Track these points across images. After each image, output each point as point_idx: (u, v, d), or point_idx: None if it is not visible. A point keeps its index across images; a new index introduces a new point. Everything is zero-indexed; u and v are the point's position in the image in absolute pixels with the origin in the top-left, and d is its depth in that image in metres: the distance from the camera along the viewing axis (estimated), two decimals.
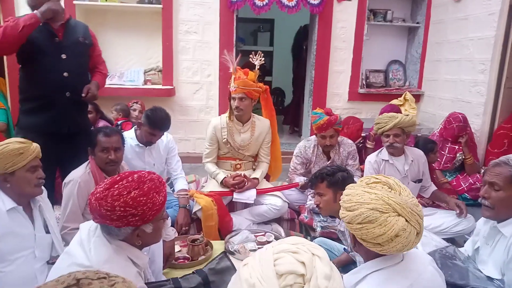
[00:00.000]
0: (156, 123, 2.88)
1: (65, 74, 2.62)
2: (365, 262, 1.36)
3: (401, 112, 4.26)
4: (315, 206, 2.91)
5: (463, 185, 3.88)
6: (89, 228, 1.50)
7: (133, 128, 3.06)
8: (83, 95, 2.66)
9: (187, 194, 2.98)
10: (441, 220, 2.97)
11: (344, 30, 5.31)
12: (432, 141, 3.53)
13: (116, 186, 1.42)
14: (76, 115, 2.75)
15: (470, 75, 4.55)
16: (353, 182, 2.35)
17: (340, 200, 1.37)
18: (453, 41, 4.87)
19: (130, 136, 3.00)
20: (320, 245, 2.35)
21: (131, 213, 1.38)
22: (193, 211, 2.93)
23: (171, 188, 3.35)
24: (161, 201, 1.46)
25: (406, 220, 1.21)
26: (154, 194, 1.43)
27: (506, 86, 4.24)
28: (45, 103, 2.62)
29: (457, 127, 3.98)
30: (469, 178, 3.90)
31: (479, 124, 4.38)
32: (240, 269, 0.93)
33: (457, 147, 4.01)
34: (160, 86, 4.97)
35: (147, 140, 2.95)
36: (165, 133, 3.14)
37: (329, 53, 5.33)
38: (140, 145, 2.98)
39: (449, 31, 4.94)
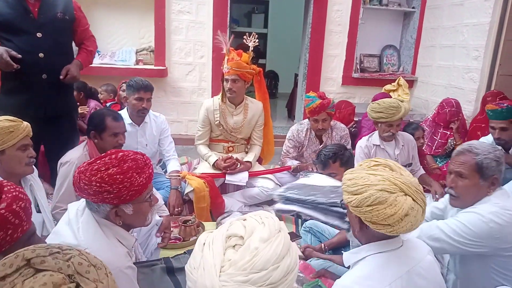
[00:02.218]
0: (137, 84, 2.84)
1: (41, 54, 2.43)
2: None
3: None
4: None
5: None
6: (77, 208, 1.51)
7: (125, 108, 3.04)
8: (61, 77, 2.50)
9: (179, 176, 2.98)
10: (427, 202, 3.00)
11: (339, 13, 5.27)
12: (416, 125, 3.58)
13: (98, 161, 1.43)
14: (55, 98, 2.57)
15: (464, 61, 4.56)
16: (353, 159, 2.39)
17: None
18: (448, 27, 4.86)
19: (123, 115, 2.98)
20: (311, 227, 2.41)
21: (106, 190, 1.37)
22: (185, 192, 2.94)
23: (163, 169, 3.35)
24: (142, 182, 1.44)
25: (413, 199, 1.23)
26: (134, 174, 1.42)
27: (499, 73, 4.26)
28: (22, 84, 2.46)
29: (449, 112, 4.01)
30: None
31: (471, 111, 4.42)
32: (201, 235, 1.02)
33: (448, 132, 4.05)
34: (152, 67, 4.92)
35: (138, 109, 2.89)
36: (158, 114, 3.13)
37: (324, 37, 5.30)
38: (133, 124, 2.96)
39: (445, 17, 4.93)
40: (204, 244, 0.98)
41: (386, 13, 5.65)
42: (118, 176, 1.38)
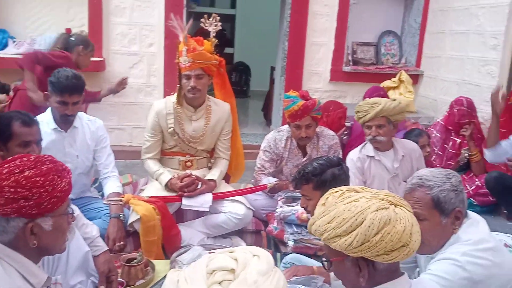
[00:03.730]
0: (60, 84, 2.78)
1: None
2: None
3: (387, 96, 4.37)
4: (293, 214, 2.97)
5: (468, 188, 4.05)
6: None
7: (49, 109, 2.97)
8: None
9: (121, 200, 2.93)
10: None
11: None
12: (419, 131, 3.68)
13: (6, 165, 1.45)
14: None
15: (480, 51, 4.73)
16: (348, 178, 2.43)
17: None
18: (460, 9, 5.04)
19: (45, 119, 2.92)
20: (292, 263, 2.43)
21: (23, 196, 1.41)
22: (129, 222, 2.89)
23: (99, 192, 3.29)
24: (64, 188, 1.51)
25: (403, 207, 1.33)
26: (55, 177, 1.48)
27: None
28: None
29: (458, 112, 4.14)
30: (476, 180, 4.07)
31: (489, 113, 4.56)
32: (169, 273, 1.09)
33: (459, 140, 4.17)
34: None
35: (61, 114, 2.84)
36: (93, 118, 3.08)
37: (307, 20, 5.38)
38: (59, 129, 2.90)
39: None
40: (178, 281, 1.05)
41: None
42: (38, 179, 1.44)
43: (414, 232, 1.30)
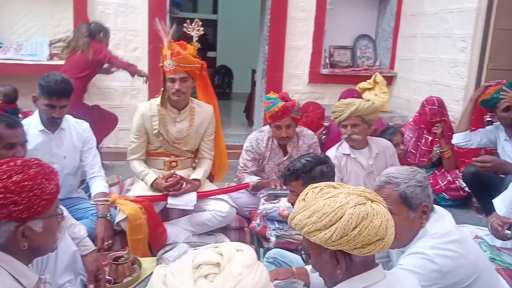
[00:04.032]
0: (49, 88, 2.75)
1: None
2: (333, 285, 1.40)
3: (361, 97, 4.42)
4: (275, 211, 2.97)
5: (440, 183, 4.11)
6: None
7: (37, 111, 2.94)
8: None
9: (107, 200, 2.90)
10: None
11: None
12: (393, 129, 3.73)
13: None
14: None
15: (449, 53, 4.80)
16: (334, 174, 2.48)
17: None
18: (430, 13, 5.11)
19: (32, 121, 2.88)
20: (275, 258, 2.43)
21: (12, 201, 1.40)
22: (116, 221, 2.87)
23: (86, 192, 3.25)
24: (53, 190, 1.51)
25: (379, 202, 1.38)
26: (43, 180, 1.48)
27: (489, 68, 4.52)
28: None
29: (430, 111, 4.21)
30: (448, 175, 4.14)
31: (459, 111, 4.64)
32: (156, 268, 1.11)
33: (431, 138, 4.23)
34: None
35: (48, 116, 2.82)
36: (79, 120, 3.05)
37: (286, 25, 5.40)
38: (46, 131, 2.86)
39: (426, 1, 5.19)
40: (165, 275, 1.07)
41: None
42: (26, 183, 1.43)
43: (389, 227, 1.33)
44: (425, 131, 4.27)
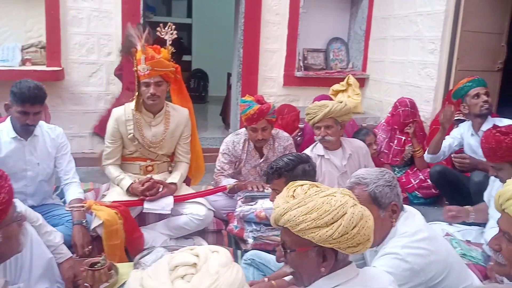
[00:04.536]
0: (22, 94, 2.70)
1: None
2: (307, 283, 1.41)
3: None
4: (252, 213, 2.98)
5: (413, 182, 4.18)
6: None
7: (8, 118, 2.88)
8: None
9: (83, 206, 2.86)
10: None
11: (276, 0, 5.45)
12: (366, 130, 3.79)
13: None
14: None
15: (419, 55, 4.90)
16: (315, 174, 2.51)
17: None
18: (401, 16, 5.20)
19: (4, 128, 2.83)
20: (253, 259, 2.43)
21: None
22: (92, 227, 2.83)
23: (61, 198, 3.20)
24: (5, 199, 1.47)
25: (361, 206, 1.42)
26: None
27: (458, 69, 4.62)
28: None
29: (403, 112, 4.28)
30: (420, 174, 4.21)
31: (430, 112, 4.74)
32: (132, 272, 1.13)
33: (404, 138, 4.31)
34: (43, 68, 4.75)
35: (22, 124, 2.77)
36: (53, 126, 3.02)
37: (260, 28, 5.42)
38: (19, 138, 2.81)
39: (396, 4, 5.28)
40: (142, 278, 1.08)
41: (331, 1, 5.94)
42: None
43: (373, 228, 1.39)
44: (397, 132, 4.34)
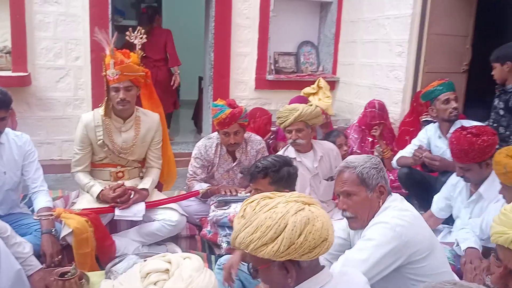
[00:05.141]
0: None
1: None
2: None
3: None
4: (226, 217, 2.97)
5: None
6: None
7: None
8: None
9: (52, 215, 2.80)
10: None
11: (247, 4, 5.46)
12: (337, 132, 3.84)
13: None
14: None
15: (388, 58, 4.98)
16: (297, 177, 2.55)
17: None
18: (369, 20, 5.28)
19: None
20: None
21: None
22: (61, 236, 2.77)
23: (29, 207, 3.13)
24: None
25: (314, 206, 1.40)
26: None
27: (425, 71, 4.73)
28: None
29: (370, 114, 4.35)
30: (390, 174, 4.27)
31: (398, 113, 4.82)
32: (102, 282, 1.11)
33: (371, 139, 4.37)
34: (9, 73, 4.65)
35: None
36: (19, 133, 2.95)
37: (230, 32, 5.43)
38: None
39: (365, 8, 5.36)
40: (113, 286, 1.11)
41: (300, 4, 5.98)
42: None
43: (330, 226, 1.36)
44: (367, 132, 4.40)
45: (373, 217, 1.94)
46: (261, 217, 1.32)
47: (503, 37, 5.11)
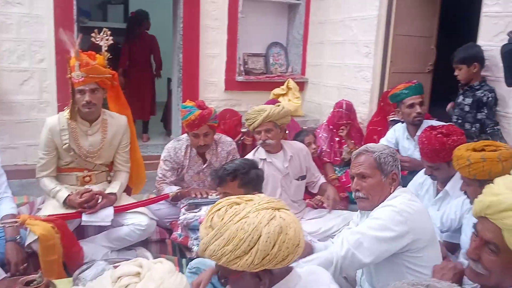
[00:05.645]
0: None
1: None
2: None
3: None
4: (196, 220, 2.95)
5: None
6: None
7: None
8: None
9: (16, 221, 2.72)
10: (331, 222, 3.24)
11: (215, 5, 5.45)
12: (306, 131, 3.88)
13: None
14: None
15: (355, 59, 5.05)
16: (263, 179, 2.57)
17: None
18: (336, 21, 5.35)
19: None
20: (198, 268, 2.40)
21: None
22: (27, 243, 2.70)
23: None
24: None
25: (282, 208, 1.39)
26: None
27: (391, 71, 4.82)
28: None
29: (337, 113, 4.40)
30: None
31: (366, 113, 4.89)
32: None
33: (338, 138, 4.42)
34: None
35: None
36: None
37: (199, 33, 5.41)
38: None
39: (332, 10, 5.42)
40: None
41: (269, 5, 6.00)
42: None
43: (300, 231, 1.36)
44: (335, 132, 4.44)
45: (383, 201, 2.05)
46: (232, 228, 1.29)
47: (464, 37, 5.24)
